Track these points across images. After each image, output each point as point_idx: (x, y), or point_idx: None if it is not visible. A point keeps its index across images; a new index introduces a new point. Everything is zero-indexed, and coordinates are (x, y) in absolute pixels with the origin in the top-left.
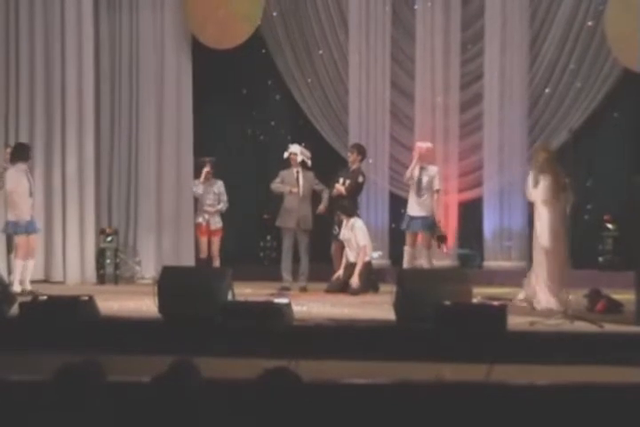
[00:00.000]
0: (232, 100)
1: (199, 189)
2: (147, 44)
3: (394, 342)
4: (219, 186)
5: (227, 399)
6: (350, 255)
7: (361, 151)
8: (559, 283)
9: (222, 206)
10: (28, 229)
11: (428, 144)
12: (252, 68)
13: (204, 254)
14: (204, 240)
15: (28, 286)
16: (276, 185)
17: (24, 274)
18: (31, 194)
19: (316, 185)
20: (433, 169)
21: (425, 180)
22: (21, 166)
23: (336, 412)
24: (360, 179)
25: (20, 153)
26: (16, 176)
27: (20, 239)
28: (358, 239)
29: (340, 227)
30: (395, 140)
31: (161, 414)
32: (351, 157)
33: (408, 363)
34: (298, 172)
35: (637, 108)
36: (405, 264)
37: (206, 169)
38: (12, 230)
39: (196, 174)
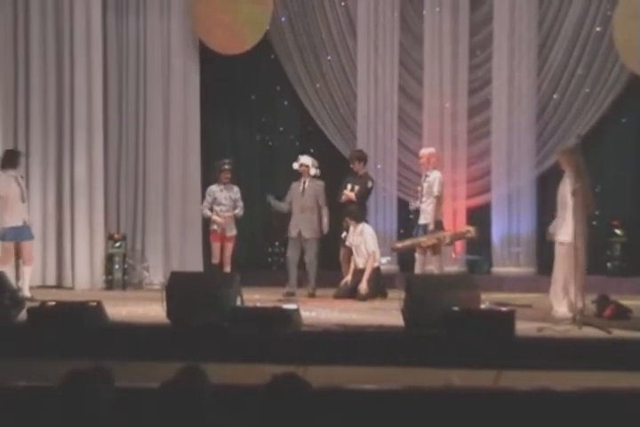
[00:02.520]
0: (240, 105)
1: (207, 212)
2: (154, 50)
3: (402, 347)
4: (235, 191)
5: (235, 405)
6: (359, 261)
7: (361, 158)
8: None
9: (239, 212)
10: (17, 235)
11: (431, 150)
12: (260, 73)
13: (216, 260)
14: (216, 246)
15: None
16: (275, 204)
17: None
18: (24, 200)
19: (319, 197)
20: (434, 175)
21: (425, 186)
22: (11, 172)
23: (345, 418)
24: (369, 184)
25: (10, 159)
26: (6, 182)
27: (6, 246)
28: (368, 245)
29: (348, 233)
30: (403, 145)
31: (170, 420)
32: (355, 166)
33: (417, 369)
34: (305, 182)
35: None
36: (416, 271)
37: (226, 175)
38: (1, 237)
39: (212, 178)
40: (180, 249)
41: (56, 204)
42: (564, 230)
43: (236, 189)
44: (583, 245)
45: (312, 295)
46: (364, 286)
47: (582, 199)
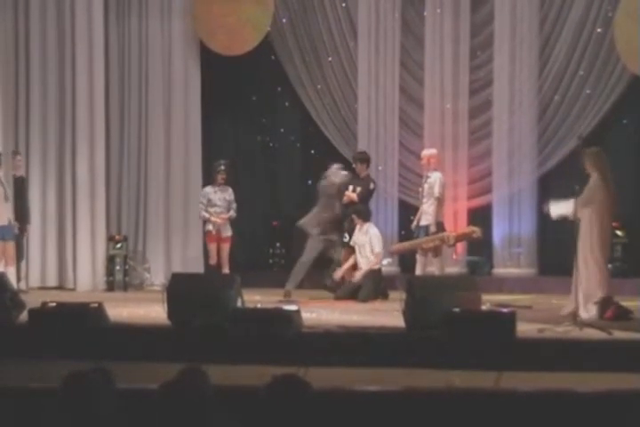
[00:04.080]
0: (241, 106)
1: (205, 214)
2: (156, 51)
3: (403, 349)
4: (230, 193)
5: (236, 407)
6: (361, 262)
7: (364, 159)
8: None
9: (232, 213)
10: (5, 234)
11: (432, 151)
12: (261, 74)
13: (213, 261)
14: (212, 247)
15: None
16: None
17: None
18: (7, 199)
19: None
20: (435, 176)
21: (426, 187)
22: None
23: (346, 419)
24: (371, 186)
25: None
26: None
27: None
28: (373, 245)
29: (350, 234)
30: (404, 146)
31: (170, 421)
32: (358, 168)
33: (417, 370)
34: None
35: None
36: (418, 272)
37: (222, 176)
38: None
39: (209, 180)
40: (180, 250)
41: (57, 205)
42: None
43: (230, 190)
44: (602, 246)
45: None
46: (357, 276)
47: (608, 200)
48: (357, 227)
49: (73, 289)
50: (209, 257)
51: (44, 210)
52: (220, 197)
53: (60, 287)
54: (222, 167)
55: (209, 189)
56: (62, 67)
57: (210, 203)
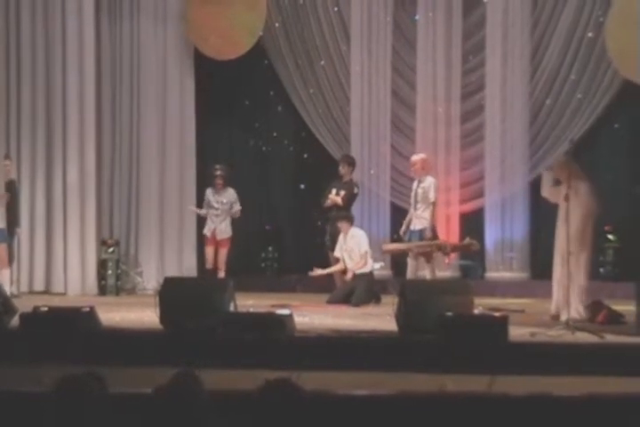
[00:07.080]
0: (234, 111)
1: (203, 211)
2: (148, 55)
3: (396, 353)
4: (229, 194)
5: (229, 411)
6: (350, 265)
7: (351, 163)
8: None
9: (234, 213)
10: None
11: (422, 155)
12: (254, 78)
13: (209, 265)
14: (209, 250)
15: None
16: None
17: None
18: None
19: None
20: (428, 180)
21: (420, 192)
22: None
23: (338, 423)
24: (355, 190)
25: None
26: None
27: None
28: (361, 246)
29: (333, 238)
30: (396, 150)
31: (163, 426)
32: (343, 170)
33: (410, 374)
34: None
35: (638, 120)
36: (409, 276)
37: (218, 180)
38: None
39: (204, 183)
40: (173, 255)
41: (46, 209)
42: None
43: (230, 191)
44: (582, 249)
45: None
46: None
47: (585, 205)
48: (342, 234)
49: (62, 293)
50: (205, 261)
51: (32, 214)
52: (218, 200)
53: (47, 292)
54: (218, 172)
55: (209, 190)
56: (53, 71)
57: (209, 204)
